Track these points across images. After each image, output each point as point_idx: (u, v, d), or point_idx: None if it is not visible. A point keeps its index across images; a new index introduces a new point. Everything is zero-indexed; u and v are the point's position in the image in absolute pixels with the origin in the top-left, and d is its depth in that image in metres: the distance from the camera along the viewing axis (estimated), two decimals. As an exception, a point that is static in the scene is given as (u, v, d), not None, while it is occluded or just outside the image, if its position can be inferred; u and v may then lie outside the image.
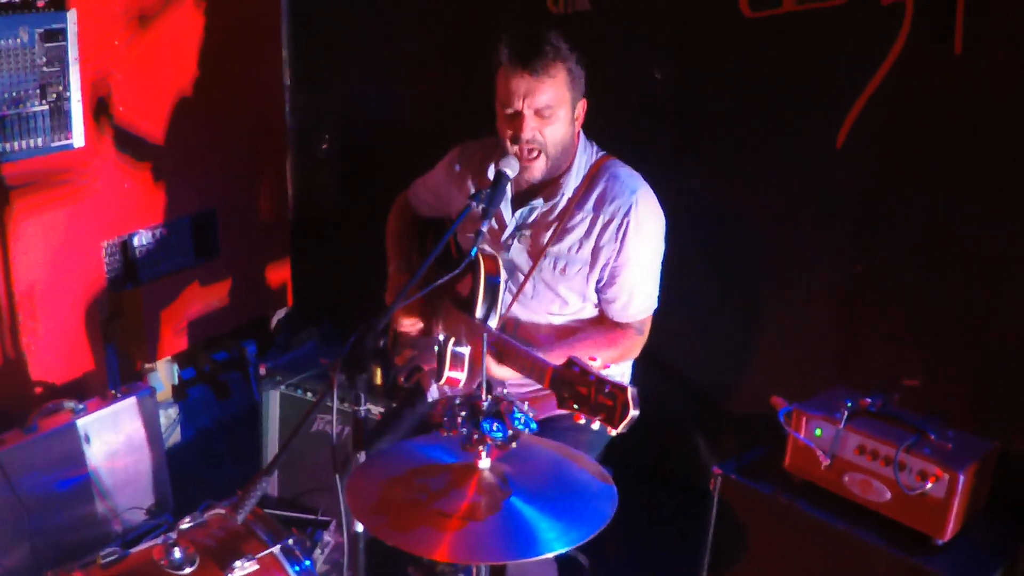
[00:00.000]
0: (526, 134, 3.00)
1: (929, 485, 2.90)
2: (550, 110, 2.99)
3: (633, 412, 2.24)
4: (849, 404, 3.12)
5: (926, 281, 3.55)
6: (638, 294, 3.14)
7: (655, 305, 3.22)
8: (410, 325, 3.30)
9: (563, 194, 3.15)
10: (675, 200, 3.27)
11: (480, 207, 2.88)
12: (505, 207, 3.19)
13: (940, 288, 3.52)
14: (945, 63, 3.30)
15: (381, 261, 3.56)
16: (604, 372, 2.32)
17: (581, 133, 3.20)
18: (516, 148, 3.03)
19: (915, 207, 3.52)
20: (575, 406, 2.34)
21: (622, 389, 2.25)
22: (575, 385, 2.35)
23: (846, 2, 3.46)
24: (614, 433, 2.27)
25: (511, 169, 3.01)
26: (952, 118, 3.36)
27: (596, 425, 2.30)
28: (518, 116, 3.00)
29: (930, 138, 3.42)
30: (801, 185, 3.77)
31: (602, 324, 3.24)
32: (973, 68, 3.27)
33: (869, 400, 3.16)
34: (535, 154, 3.03)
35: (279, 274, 5.43)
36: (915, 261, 3.57)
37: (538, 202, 3.17)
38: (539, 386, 3.22)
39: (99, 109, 4.18)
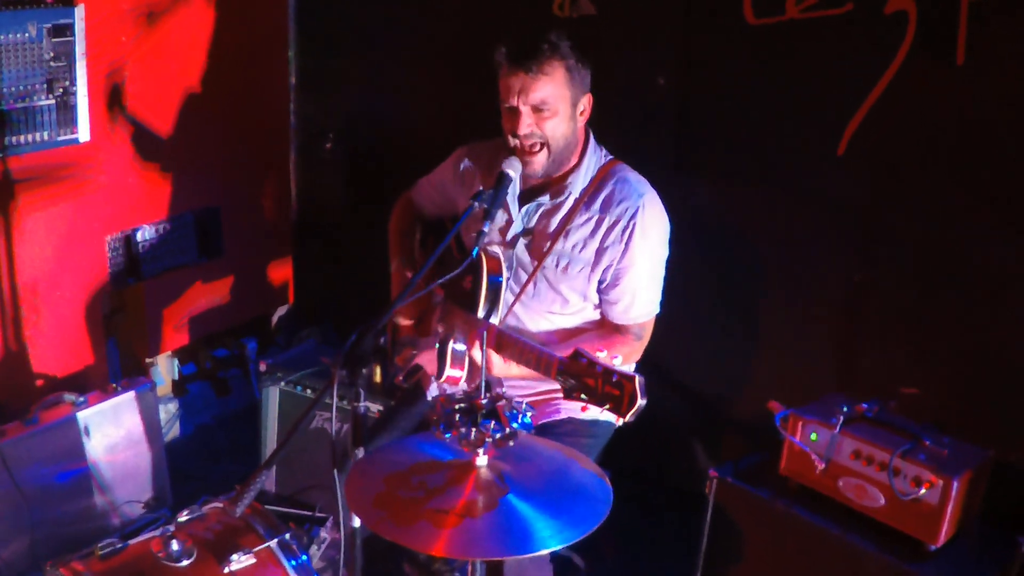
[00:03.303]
0: (522, 130, 3.02)
1: (923, 491, 2.92)
2: (547, 106, 3.00)
3: (641, 401, 2.25)
4: (845, 410, 3.13)
5: (925, 291, 3.57)
6: (640, 297, 3.16)
7: (657, 310, 3.23)
8: (406, 321, 3.34)
9: (570, 193, 3.16)
10: (677, 206, 3.28)
11: (482, 207, 2.89)
12: (512, 204, 3.21)
13: (939, 298, 3.54)
14: (947, 73, 3.32)
15: (382, 261, 3.58)
16: (611, 363, 2.33)
17: (591, 136, 3.22)
18: (516, 142, 3.05)
19: (915, 217, 3.53)
20: (582, 397, 2.34)
21: (630, 378, 2.26)
22: (582, 376, 2.35)
23: (849, 10, 3.48)
24: (621, 422, 2.28)
25: (514, 170, 3.03)
26: (953, 128, 3.38)
27: (603, 415, 2.31)
28: (515, 112, 3.03)
29: (931, 148, 3.44)
30: (802, 193, 3.79)
31: (602, 328, 3.25)
32: (975, 78, 3.29)
33: (865, 406, 3.18)
34: (537, 147, 3.05)
35: (281, 272, 5.45)
36: (914, 271, 3.58)
37: (544, 199, 3.19)
38: (539, 389, 3.26)
39: (105, 105, 4.21)
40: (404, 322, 3.38)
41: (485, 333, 2.64)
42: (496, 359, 2.87)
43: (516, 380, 3.14)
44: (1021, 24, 3.18)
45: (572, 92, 3.04)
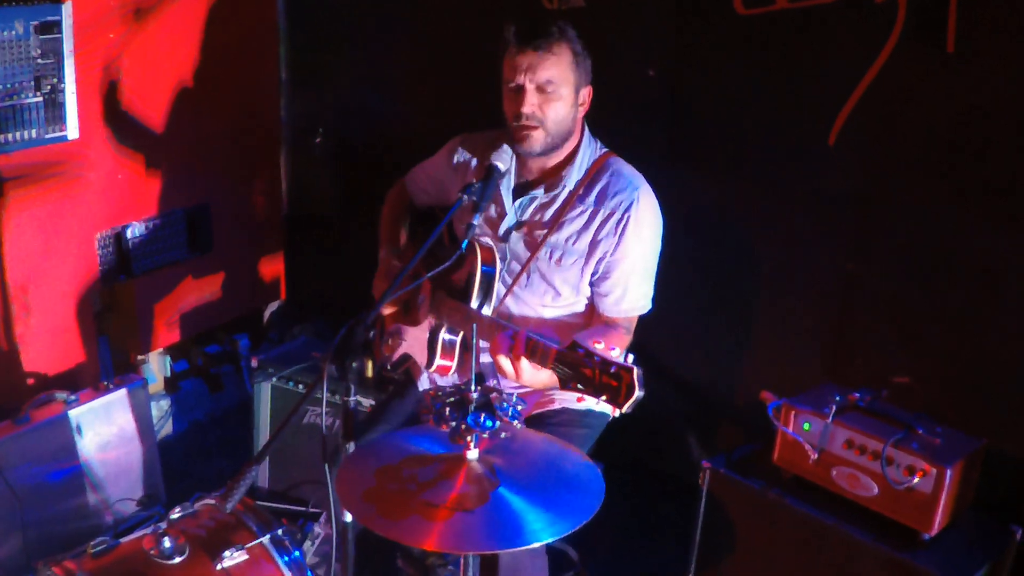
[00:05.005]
0: (526, 108, 3.00)
1: (916, 480, 2.92)
2: (552, 86, 3.00)
3: (639, 392, 2.23)
4: (838, 399, 3.13)
5: (917, 280, 3.56)
6: (632, 290, 3.15)
7: (648, 306, 3.21)
8: (388, 310, 3.33)
9: (564, 186, 3.16)
10: (668, 197, 3.27)
11: (471, 200, 2.88)
12: (506, 196, 3.20)
13: (931, 287, 3.53)
14: (937, 61, 3.32)
15: (374, 255, 3.56)
16: (609, 354, 2.32)
17: (586, 127, 3.21)
18: (516, 123, 3.04)
19: (906, 206, 3.53)
20: (579, 387, 2.34)
21: (628, 370, 2.25)
22: (579, 367, 2.34)
23: (839, -1, 3.48)
24: (618, 413, 2.27)
25: (503, 163, 3.02)
26: (944, 116, 3.38)
27: (600, 406, 2.30)
28: (520, 90, 3.02)
29: (922, 136, 3.44)
30: (793, 183, 3.79)
31: (592, 322, 3.25)
32: (965, 67, 3.28)
33: (858, 396, 3.18)
34: (535, 126, 3.03)
35: (272, 268, 5.44)
36: (906, 260, 3.58)
37: (539, 192, 3.18)
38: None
39: (94, 102, 4.19)
40: (387, 311, 3.36)
41: (476, 325, 2.63)
42: (526, 366, 2.72)
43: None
44: (1012, 11, 3.17)
45: (576, 78, 3.05)
